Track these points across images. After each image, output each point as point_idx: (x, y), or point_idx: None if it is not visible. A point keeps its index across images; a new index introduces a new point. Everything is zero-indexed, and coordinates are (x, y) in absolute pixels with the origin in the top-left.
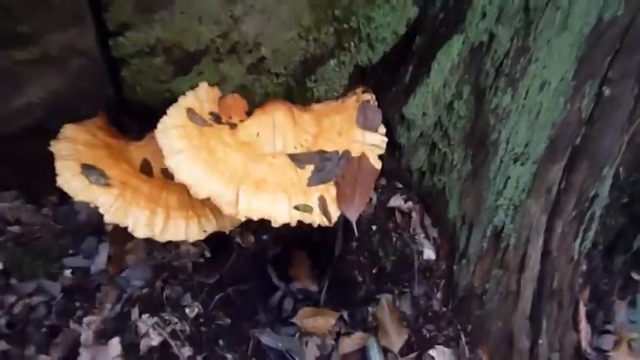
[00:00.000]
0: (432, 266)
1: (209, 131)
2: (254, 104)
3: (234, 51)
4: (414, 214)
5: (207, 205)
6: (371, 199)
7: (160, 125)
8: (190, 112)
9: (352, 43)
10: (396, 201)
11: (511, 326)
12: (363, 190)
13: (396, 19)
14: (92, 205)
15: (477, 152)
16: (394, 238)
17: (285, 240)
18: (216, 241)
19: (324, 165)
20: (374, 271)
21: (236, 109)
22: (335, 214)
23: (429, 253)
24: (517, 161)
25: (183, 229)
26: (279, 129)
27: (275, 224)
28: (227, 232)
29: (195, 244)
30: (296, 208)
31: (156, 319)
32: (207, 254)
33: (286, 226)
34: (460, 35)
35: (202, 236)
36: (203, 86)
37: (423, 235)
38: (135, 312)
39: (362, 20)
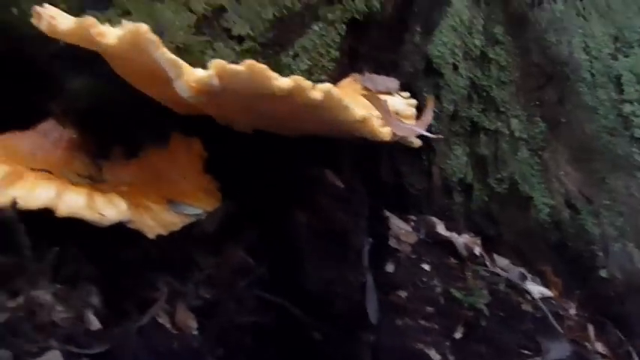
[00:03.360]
0: (555, 308)
1: None
2: None
3: None
4: (477, 251)
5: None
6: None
7: None
8: None
9: None
10: (442, 230)
11: None
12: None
13: None
14: None
15: (545, 93)
16: (468, 274)
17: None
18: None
19: None
20: (456, 334)
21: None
22: (385, 129)
23: (539, 289)
24: (617, 57)
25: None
26: None
27: None
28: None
29: (70, 302)
30: None
31: None
32: (94, 324)
33: None
34: None
35: (94, 217)
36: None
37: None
38: None
39: None
